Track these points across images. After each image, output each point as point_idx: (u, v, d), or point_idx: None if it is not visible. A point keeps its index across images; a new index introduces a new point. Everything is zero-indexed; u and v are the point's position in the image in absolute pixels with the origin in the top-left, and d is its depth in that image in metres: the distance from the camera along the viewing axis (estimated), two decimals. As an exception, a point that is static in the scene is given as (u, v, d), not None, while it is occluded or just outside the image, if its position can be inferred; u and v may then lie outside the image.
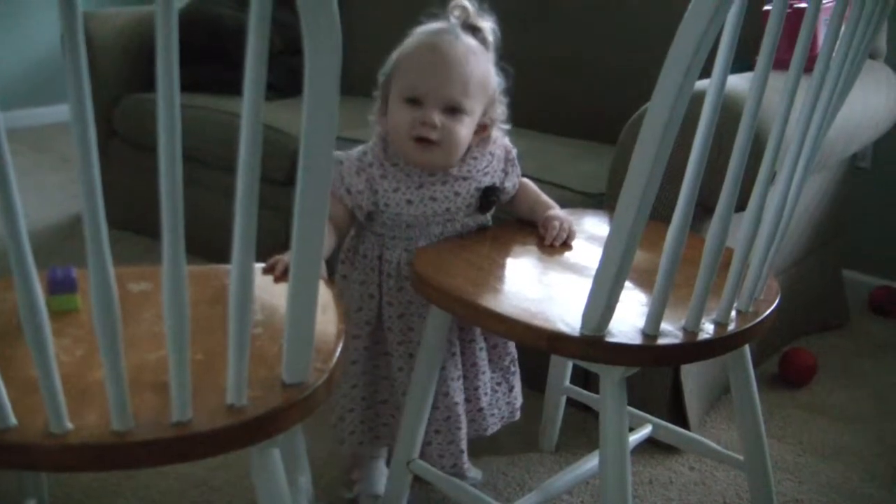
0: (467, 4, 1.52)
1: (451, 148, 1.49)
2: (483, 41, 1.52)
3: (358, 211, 1.53)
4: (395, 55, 1.52)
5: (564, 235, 1.55)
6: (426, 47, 1.49)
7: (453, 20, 1.52)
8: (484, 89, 1.51)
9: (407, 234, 1.54)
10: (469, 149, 1.55)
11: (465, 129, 1.49)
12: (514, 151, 1.63)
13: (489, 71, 1.52)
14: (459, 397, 1.61)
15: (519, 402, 1.76)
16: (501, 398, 1.72)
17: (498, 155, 1.59)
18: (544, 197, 1.67)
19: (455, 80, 1.46)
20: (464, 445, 1.66)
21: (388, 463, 1.76)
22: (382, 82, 1.54)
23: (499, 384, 1.70)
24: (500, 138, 1.60)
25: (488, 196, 1.57)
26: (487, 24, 1.53)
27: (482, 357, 1.64)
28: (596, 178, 2.10)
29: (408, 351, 1.58)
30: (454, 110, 1.47)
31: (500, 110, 1.57)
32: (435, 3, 1.55)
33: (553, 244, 1.54)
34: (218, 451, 0.95)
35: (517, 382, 1.74)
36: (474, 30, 1.52)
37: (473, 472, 1.81)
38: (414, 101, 1.47)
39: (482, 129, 1.55)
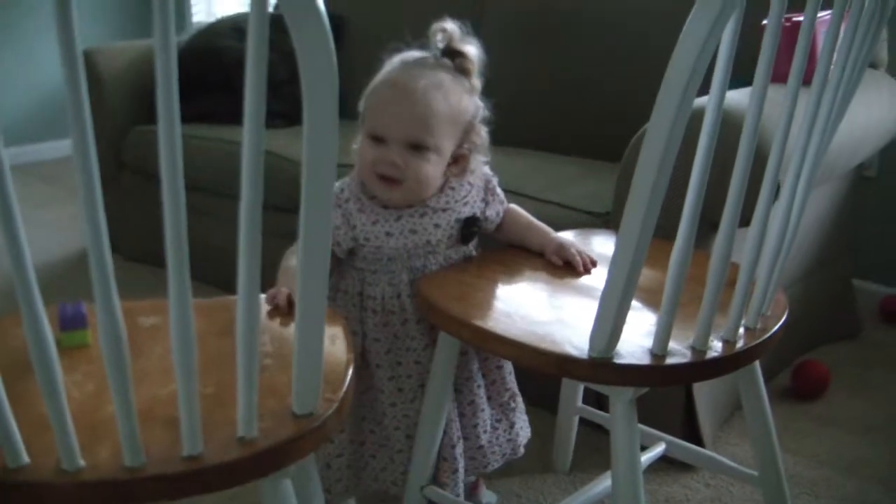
0: (451, 27, 1.48)
1: (416, 186, 1.46)
2: (463, 68, 1.48)
3: (336, 248, 1.47)
4: (368, 87, 1.49)
5: (588, 260, 1.53)
6: (387, 84, 1.46)
7: (438, 43, 1.48)
8: (453, 122, 1.46)
9: (388, 268, 1.49)
10: (447, 180, 1.51)
11: (430, 166, 1.45)
12: (495, 180, 1.59)
13: (460, 102, 1.47)
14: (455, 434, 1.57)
15: (522, 438, 1.70)
16: (502, 435, 1.66)
17: (477, 185, 1.56)
18: (537, 222, 1.62)
19: (416, 118, 1.42)
20: (458, 478, 1.59)
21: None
22: (360, 114, 1.50)
23: (498, 421, 1.65)
24: (480, 167, 1.56)
25: (469, 227, 1.53)
26: (471, 49, 1.49)
27: (480, 395, 1.60)
28: (601, 197, 2.10)
29: (397, 386, 1.54)
30: (418, 147, 1.43)
31: (480, 139, 1.52)
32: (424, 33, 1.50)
33: (586, 271, 1.51)
34: (230, 483, 0.95)
35: (519, 418, 1.69)
36: (455, 55, 1.48)
37: (488, 496, 1.81)
38: (378, 139, 1.44)
39: (460, 160, 1.51)
